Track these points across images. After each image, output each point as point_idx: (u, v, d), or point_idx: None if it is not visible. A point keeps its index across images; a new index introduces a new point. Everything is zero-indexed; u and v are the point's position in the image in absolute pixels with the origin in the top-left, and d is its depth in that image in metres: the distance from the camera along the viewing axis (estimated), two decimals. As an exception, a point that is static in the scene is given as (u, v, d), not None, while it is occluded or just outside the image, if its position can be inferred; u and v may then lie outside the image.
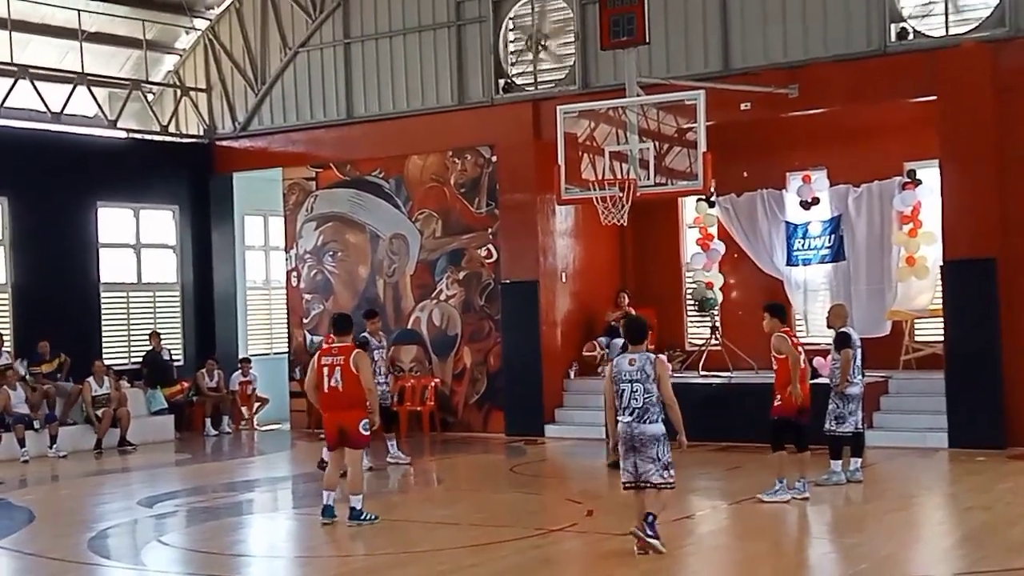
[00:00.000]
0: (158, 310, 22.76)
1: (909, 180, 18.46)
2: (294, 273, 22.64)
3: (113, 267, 22.13)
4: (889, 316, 18.71)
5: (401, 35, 21.33)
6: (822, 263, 19.44)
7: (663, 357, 10.76)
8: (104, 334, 21.76)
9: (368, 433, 12.37)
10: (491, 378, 20.41)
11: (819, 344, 17.37)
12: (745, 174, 19.74)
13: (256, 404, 22.75)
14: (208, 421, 21.77)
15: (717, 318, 19.99)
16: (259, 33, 22.89)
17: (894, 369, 18.35)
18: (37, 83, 21.02)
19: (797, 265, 19.64)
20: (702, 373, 19.11)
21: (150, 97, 23.49)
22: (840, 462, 13.91)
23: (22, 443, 18.26)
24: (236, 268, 23.68)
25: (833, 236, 19.28)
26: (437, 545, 11.40)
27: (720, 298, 20.02)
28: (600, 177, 15.94)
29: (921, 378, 17.89)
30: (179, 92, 23.54)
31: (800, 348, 13.17)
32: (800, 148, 19.62)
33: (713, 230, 20.24)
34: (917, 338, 18.90)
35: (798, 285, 19.67)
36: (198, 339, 23.00)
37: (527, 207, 19.88)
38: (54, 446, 18.94)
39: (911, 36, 17.28)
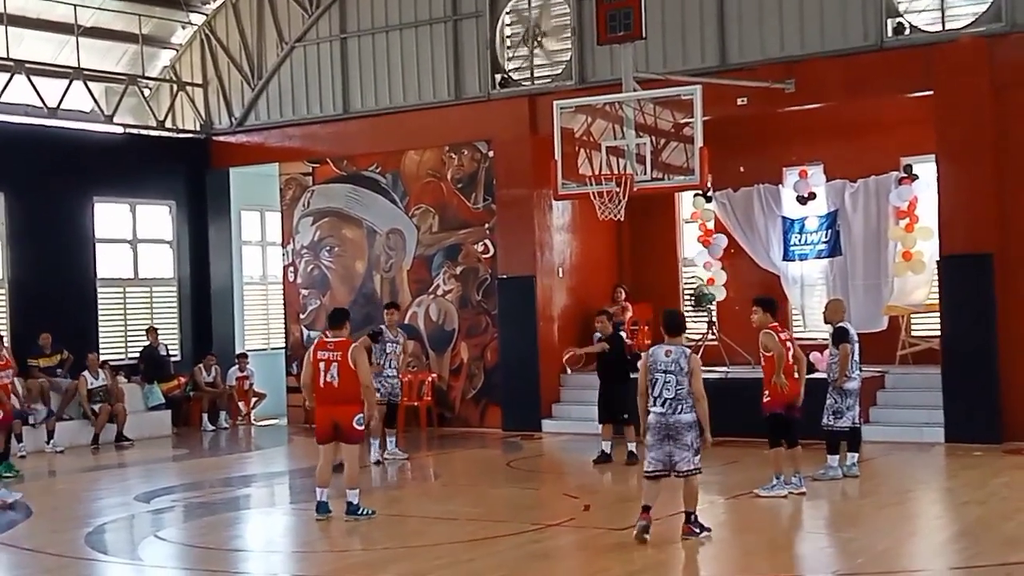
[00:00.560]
0: (155, 305, 22.75)
1: (906, 175, 18.47)
2: (291, 268, 22.64)
3: (110, 262, 22.11)
4: (886, 311, 18.73)
5: (397, 30, 21.31)
6: (819, 258, 19.45)
7: (696, 356, 10.97)
8: (101, 329, 21.74)
9: (362, 428, 12.35)
10: (488, 373, 20.42)
11: (816, 339, 17.39)
12: (742, 169, 19.74)
13: (253, 399, 22.75)
14: (205, 416, 21.77)
15: (714, 313, 20.01)
16: (255, 28, 22.86)
17: (891, 364, 18.37)
18: (33, 78, 20.99)
19: (794, 260, 19.65)
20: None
21: (146, 92, 23.46)
22: (837, 457, 13.93)
23: (19, 438, 18.24)
24: (233, 263, 23.69)
25: (830, 231, 19.28)
26: (434, 540, 11.42)
27: (724, 293, 19.95)
28: (597, 172, 15.93)
29: (917, 373, 17.91)
30: (175, 87, 23.52)
31: (790, 343, 13.20)
32: (797, 143, 19.62)
33: (710, 225, 20.24)
34: (913, 333, 18.92)
35: (795, 280, 19.68)
36: (195, 334, 22.99)
37: (524, 202, 19.89)
38: (51, 442, 18.95)
39: (907, 31, 17.29)
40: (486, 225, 20.46)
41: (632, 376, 16.65)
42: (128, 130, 22.81)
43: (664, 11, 18.58)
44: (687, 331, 13.28)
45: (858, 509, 12.76)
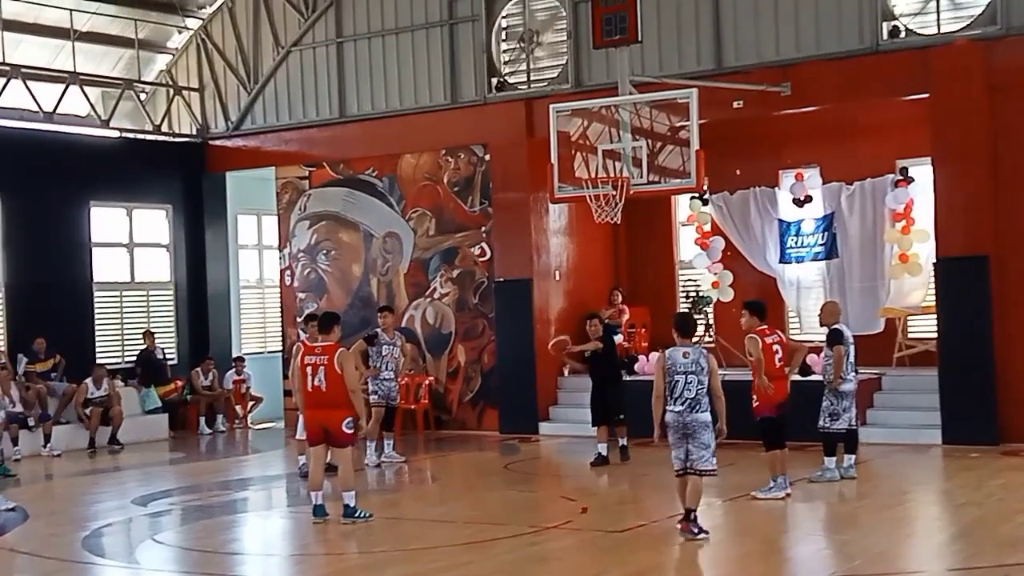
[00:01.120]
0: (152, 309, 22.75)
1: (902, 178, 18.49)
2: (288, 272, 22.64)
3: (106, 266, 22.11)
4: (882, 313, 18.74)
5: (394, 34, 21.33)
6: (815, 260, 19.46)
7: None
8: (97, 333, 21.74)
9: (352, 432, 12.31)
10: (485, 376, 20.43)
11: (813, 341, 17.39)
12: (738, 172, 19.76)
13: (250, 403, 22.77)
14: (202, 420, 21.76)
15: (711, 315, 20.02)
16: (251, 32, 22.87)
17: (887, 366, 18.39)
18: (29, 83, 20.99)
19: (790, 263, 19.65)
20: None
21: (143, 96, 23.46)
22: (834, 459, 13.94)
23: (15, 442, 18.23)
24: (229, 267, 23.72)
25: (826, 234, 19.29)
26: (432, 543, 11.41)
27: (731, 294, 19.92)
28: (593, 175, 15.93)
29: (914, 375, 17.93)
30: (172, 91, 23.52)
31: (778, 345, 13.23)
32: (793, 146, 19.65)
33: (707, 228, 20.25)
34: (910, 335, 18.94)
35: (791, 282, 19.69)
36: (192, 338, 22.99)
37: (520, 205, 19.90)
38: (48, 445, 18.94)
39: (903, 34, 17.31)
40: (483, 228, 20.47)
41: (626, 378, 16.78)
42: (124, 134, 22.82)
43: (660, 14, 18.61)
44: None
45: (855, 511, 12.77)
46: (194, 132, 23.58)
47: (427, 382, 20.73)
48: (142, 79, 23.30)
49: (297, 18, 22.29)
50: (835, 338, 13.87)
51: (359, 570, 10.78)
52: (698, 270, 20.52)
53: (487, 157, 20.38)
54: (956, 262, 16.72)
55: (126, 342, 22.24)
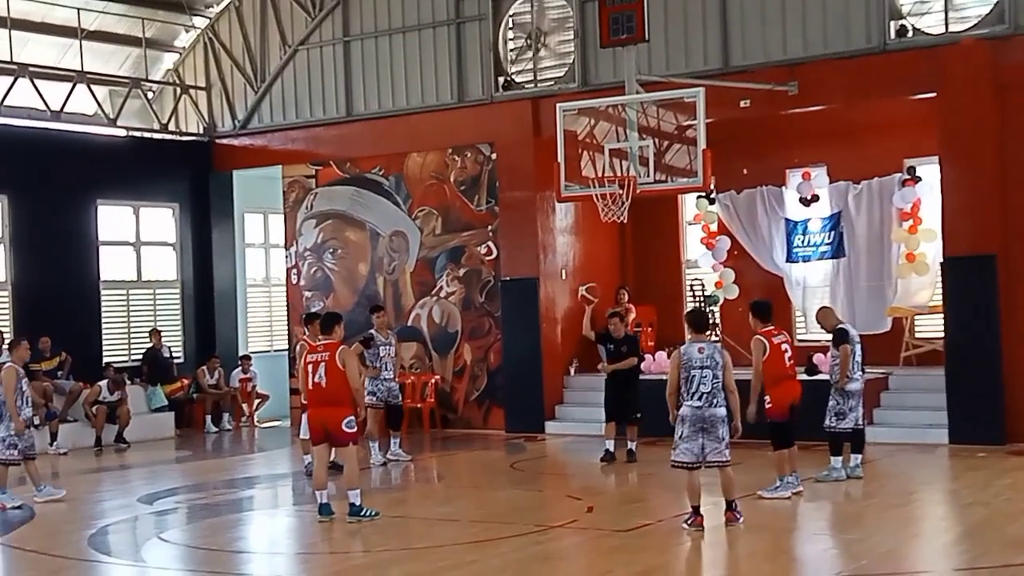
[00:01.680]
0: (158, 308, 22.77)
1: (909, 177, 18.47)
2: (294, 270, 22.65)
3: (113, 265, 22.15)
4: (889, 313, 18.73)
5: (401, 33, 21.33)
6: (822, 260, 19.45)
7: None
8: (104, 332, 21.78)
9: (353, 431, 12.29)
10: (491, 375, 20.42)
11: (819, 341, 17.36)
12: (745, 171, 19.76)
13: (256, 401, 22.79)
14: (208, 418, 21.81)
15: (717, 315, 20.00)
16: (259, 31, 22.89)
17: (894, 365, 18.38)
18: (37, 81, 21.03)
19: (797, 262, 19.65)
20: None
21: (150, 95, 23.50)
22: (840, 458, 13.92)
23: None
24: (236, 265, 23.74)
25: (833, 233, 19.28)
26: (437, 541, 11.42)
27: (736, 291, 19.90)
28: (600, 174, 15.92)
29: (921, 374, 17.91)
30: (179, 90, 23.55)
31: (786, 344, 13.23)
32: (800, 145, 19.63)
33: (714, 227, 20.24)
34: (917, 334, 18.93)
35: (798, 282, 19.67)
36: (198, 336, 23.02)
37: (527, 204, 19.89)
38: (54, 443, 18.96)
39: (910, 33, 17.28)
40: (489, 227, 20.47)
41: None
42: (131, 133, 22.85)
43: (667, 13, 18.59)
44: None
45: (862, 510, 12.74)
46: (201, 131, 23.60)
47: (433, 381, 20.73)
48: (149, 78, 23.32)
49: (304, 17, 22.31)
50: (841, 337, 13.85)
51: (364, 569, 10.78)
52: (710, 270, 20.46)
53: (494, 156, 20.38)
54: (963, 261, 16.69)
55: (133, 340, 22.26)
